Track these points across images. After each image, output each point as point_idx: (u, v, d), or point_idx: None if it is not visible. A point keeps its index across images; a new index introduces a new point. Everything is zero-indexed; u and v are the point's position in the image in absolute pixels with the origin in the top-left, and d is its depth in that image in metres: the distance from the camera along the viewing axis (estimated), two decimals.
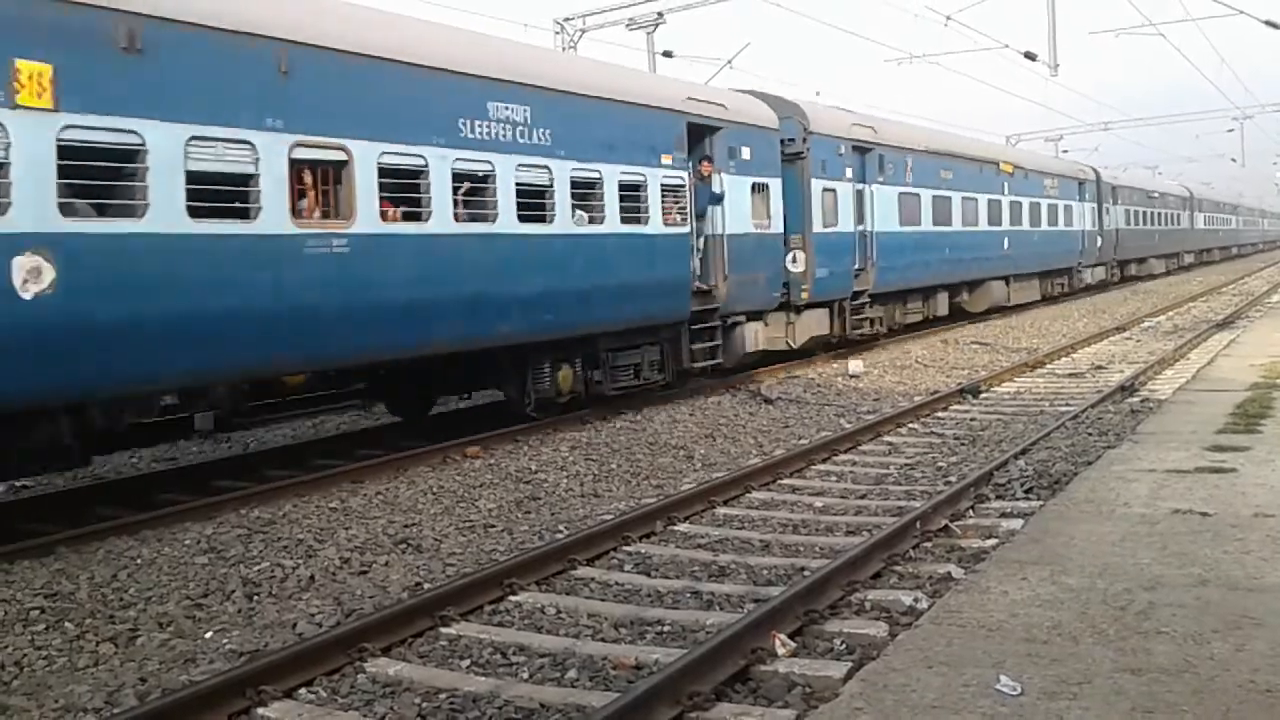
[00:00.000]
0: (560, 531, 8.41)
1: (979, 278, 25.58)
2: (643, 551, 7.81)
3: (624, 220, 13.08)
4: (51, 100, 7.46)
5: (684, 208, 14.08)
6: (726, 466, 10.82)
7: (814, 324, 17.97)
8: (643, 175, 13.34)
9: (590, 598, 6.85)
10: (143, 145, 8.03)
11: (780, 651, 5.50)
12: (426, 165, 10.44)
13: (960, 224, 23.92)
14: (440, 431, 12.26)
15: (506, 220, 11.35)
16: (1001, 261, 26.64)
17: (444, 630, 6.23)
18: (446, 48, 11.17)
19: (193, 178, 8.37)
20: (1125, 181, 41.45)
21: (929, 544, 7.61)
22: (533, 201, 11.74)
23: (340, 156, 9.60)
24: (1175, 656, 4.34)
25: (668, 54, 25.97)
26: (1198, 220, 57.10)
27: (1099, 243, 35.96)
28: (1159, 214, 46.22)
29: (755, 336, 16.16)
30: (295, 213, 9.22)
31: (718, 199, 14.66)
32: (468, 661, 5.82)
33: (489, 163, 11.16)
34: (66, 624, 6.57)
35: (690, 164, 14.41)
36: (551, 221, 11.98)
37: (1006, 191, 27.05)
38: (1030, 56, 28.62)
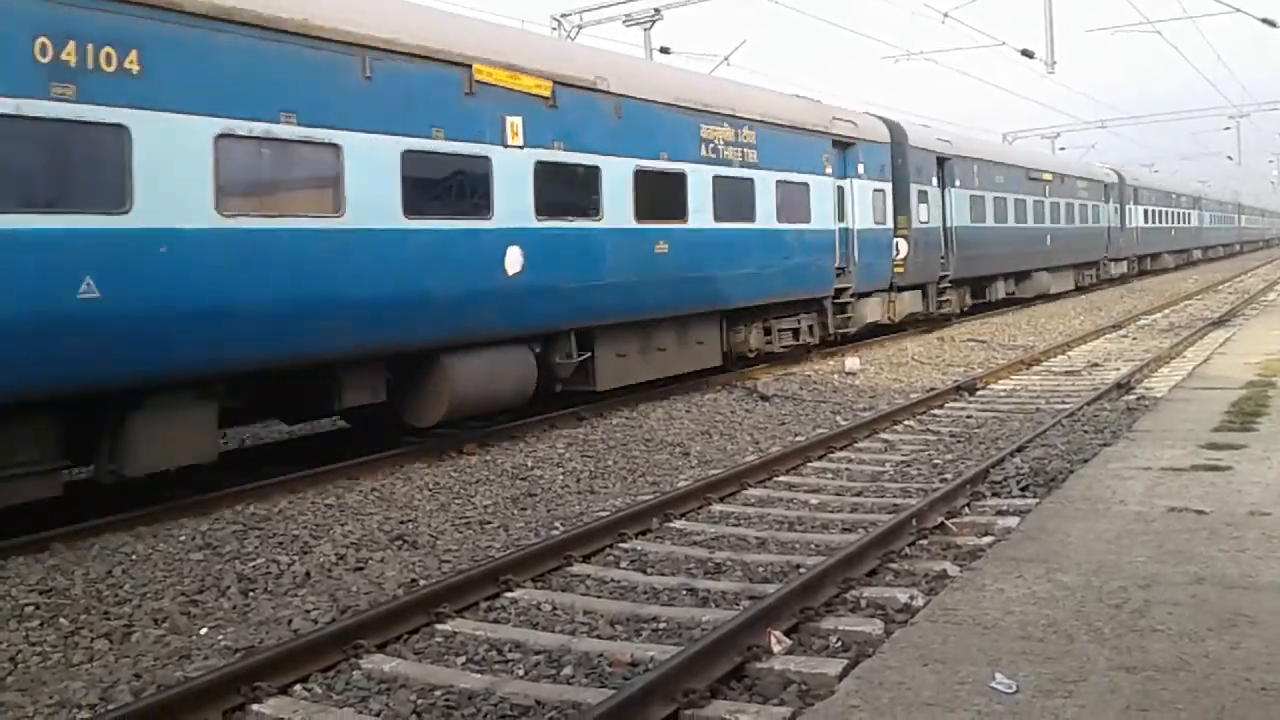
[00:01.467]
0: (556, 528, 8.41)
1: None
2: (639, 548, 7.81)
3: None
4: None
5: None
6: (723, 463, 10.82)
7: None
8: None
9: (586, 594, 6.85)
10: None
11: (776, 649, 5.50)
12: None
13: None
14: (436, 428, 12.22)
15: None
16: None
17: (440, 627, 6.23)
18: None
19: None
20: (965, 149, 25.46)
21: (925, 541, 7.61)
22: None
23: None
24: (1170, 654, 4.34)
25: (665, 50, 25.94)
26: (1133, 215, 42.55)
27: (900, 252, 21.14)
28: (1041, 206, 30.83)
29: None
30: None
31: None
32: (463, 658, 5.81)
33: None
34: (61, 620, 6.56)
35: None
36: None
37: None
38: (1027, 54, 28.68)
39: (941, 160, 23.92)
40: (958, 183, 24.63)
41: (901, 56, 36.32)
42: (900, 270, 21.27)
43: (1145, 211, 45.23)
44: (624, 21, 25.09)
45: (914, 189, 21.99)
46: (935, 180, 23.44)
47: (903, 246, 21.20)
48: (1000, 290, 28.86)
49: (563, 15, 24.86)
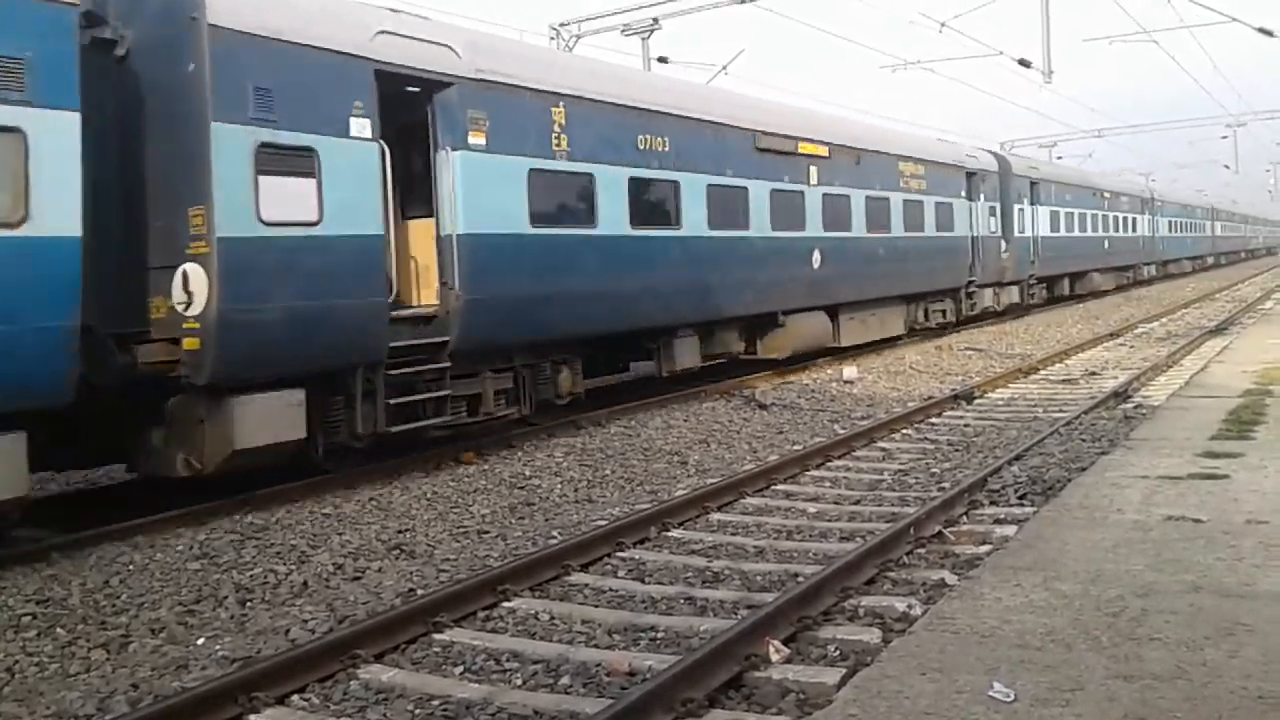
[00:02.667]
0: (554, 537, 8.40)
1: None
2: (637, 557, 7.80)
3: None
4: None
5: None
6: (721, 472, 10.82)
7: None
8: None
9: (584, 604, 6.84)
10: None
11: (774, 658, 5.49)
12: None
13: None
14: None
15: None
16: None
17: (437, 637, 6.22)
18: None
19: None
20: (513, 67, 12.01)
21: (923, 550, 7.61)
22: None
23: None
24: (1168, 663, 4.34)
25: (663, 59, 26.00)
26: (1032, 220, 29.96)
27: (192, 298, 8.75)
28: (793, 202, 17.50)
29: None
30: None
31: None
32: (461, 668, 5.81)
33: None
34: (58, 630, 6.55)
35: None
36: None
37: None
38: (1024, 63, 28.69)
39: (428, 85, 11.07)
40: (481, 141, 11.49)
41: (899, 66, 36.21)
42: (193, 344, 8.90)
43: (1055, 215, 32.34)
44: (622, 31, 25.13)
45: (221, 138, 8.98)
46: (365, 127, 10.17)
47: (197, 284, 8.86)
48: (680, 355, 14.81)
49: (561, 25, 24.90)
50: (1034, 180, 30.78)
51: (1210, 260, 66.89)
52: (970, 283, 25.46)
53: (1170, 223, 52.05)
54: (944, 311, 24.52)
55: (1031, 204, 30.27)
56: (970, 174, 25.56)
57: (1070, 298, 35.08)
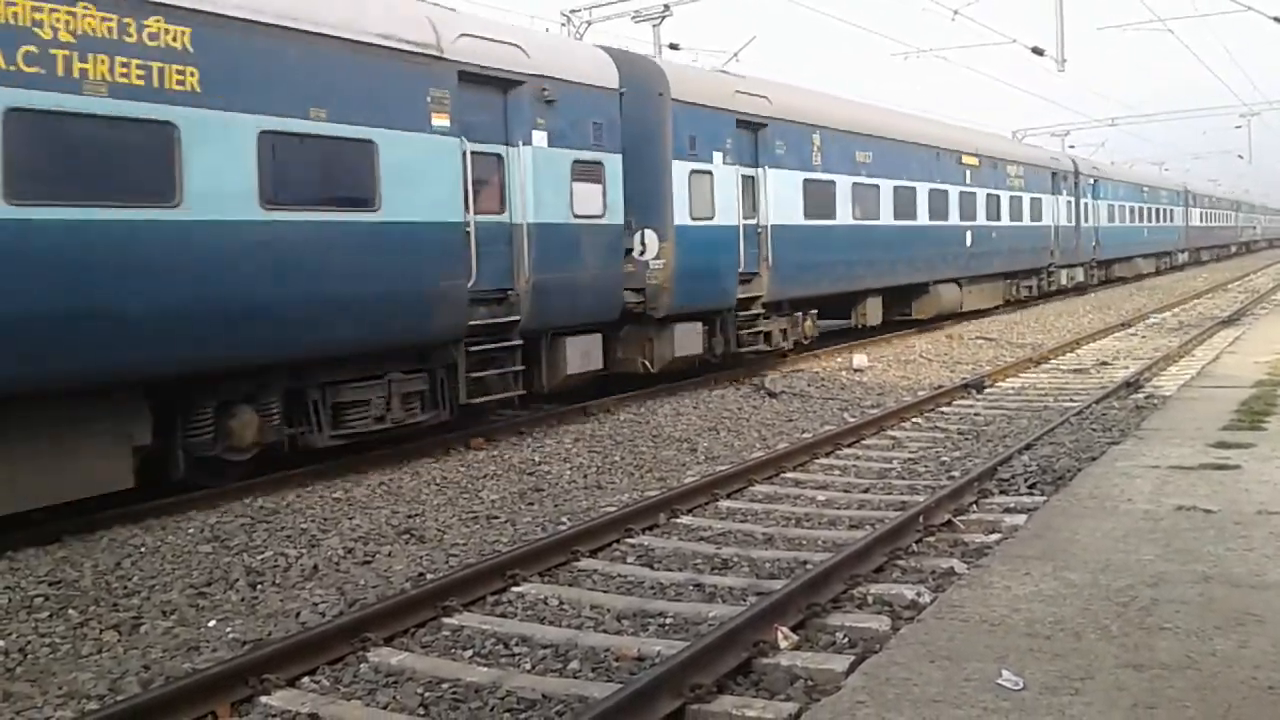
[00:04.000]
0: (563, 523, 8.42)
1: None
2: (645, 544, 7.82)
3: None
4: None
5: None
6: (730, 459, 10.82)
7: None
8: None
9: (593, 589, 6.86)
10: None
11: (782, 644, 5.51)
12: None
13: None
14: (444, 423, 12.18)
15: None
16: None
17: (447, 621, 6.25)
18: None
19: None
20: None
21: (932, 538, 7.61)
22: None
23: None
24: (1178, 653, 4.33)
25: (674, 46, 25.91)
26: (749, 195, 15.60)
27: None
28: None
29: None
30: None
31: None
32: (470, 652, 5.83)
33: None
34: (70, 611, 6.59)
35: None
36: None
37: None
38: (1038, 52, 28.52)
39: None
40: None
41: (911, 53, 36.03)
42: None
43: (796, 185, 16.96)
44: (633, 18, 25.02)
45: None
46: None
47: None
48: None
49: (572, 11, 24.82)
50: (753, 120, 15.84)
51: (1183, 258, 52.13)
52: (465, 337, 10.99)
53: (1114, 208, 37.92)
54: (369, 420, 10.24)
55: (754, 165, 16.08)
56: (468, 76, 10.80)
57: (907, 325, 22.28)
